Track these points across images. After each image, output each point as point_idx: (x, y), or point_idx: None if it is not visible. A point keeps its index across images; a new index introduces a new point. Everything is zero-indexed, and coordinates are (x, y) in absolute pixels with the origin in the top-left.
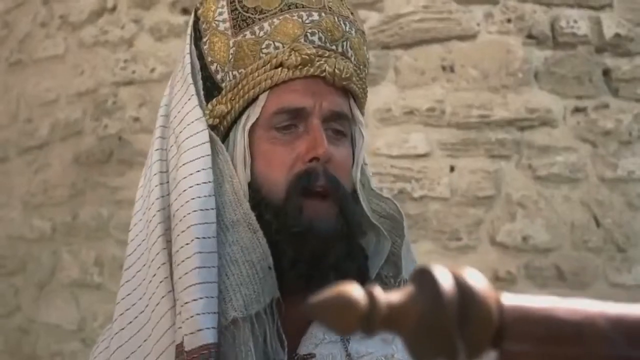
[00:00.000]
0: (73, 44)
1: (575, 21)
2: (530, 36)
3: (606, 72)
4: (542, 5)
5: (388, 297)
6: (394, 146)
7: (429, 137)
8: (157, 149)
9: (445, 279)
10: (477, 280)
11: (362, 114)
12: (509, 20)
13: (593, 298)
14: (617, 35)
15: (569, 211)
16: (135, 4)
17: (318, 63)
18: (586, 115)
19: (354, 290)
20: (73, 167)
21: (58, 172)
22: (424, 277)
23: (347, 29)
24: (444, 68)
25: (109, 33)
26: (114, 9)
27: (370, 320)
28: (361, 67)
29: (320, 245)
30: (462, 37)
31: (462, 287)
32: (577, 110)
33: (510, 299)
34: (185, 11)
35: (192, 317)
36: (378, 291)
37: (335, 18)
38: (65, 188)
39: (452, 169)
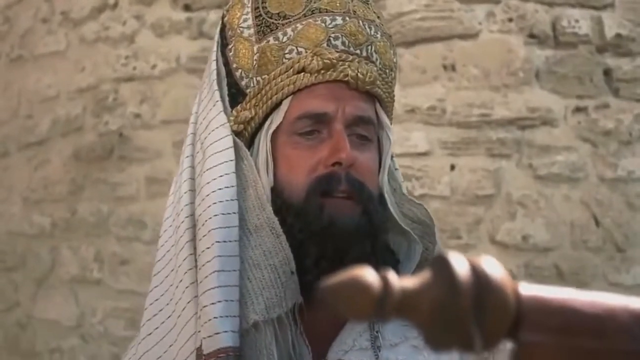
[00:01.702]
0: (74, 40)
1: (577, 21)
2: (531, 35)
3: (607, 72)
4: (544, 5)
5: (403, 282)
6: (394, 144)
7: (429, 135)
8: (188, 156)
9: (461, 267)
10: (494, 269)
11: (390, 118)
12: (510, 20)
13: None
14: (618, 35)
15: (568, 211)
16: (137, 0)
17: (341, 67)
18: (587, 115)
19: (368, 274)
20: (73, 163)
21: (58, 168)
22: (440, 264)
23: (372, 33)
24: (445, 67)
25: (110, 29)
26: (115, 5)
27: (384, 306)
28: (387, 70)
29: (343, 241)
30: (463, 36)
31: (478, 275)
32: (577, 110)
33: (528, 289)
34: (186, 7)
35: (209, 320)
36: (392, 276)
37: (360, 22)
38: (65, 184)
39: (452, 167)
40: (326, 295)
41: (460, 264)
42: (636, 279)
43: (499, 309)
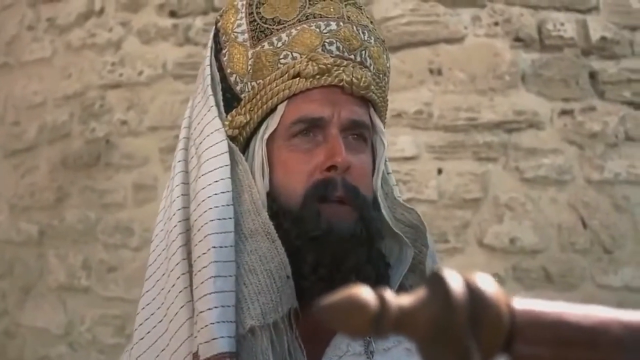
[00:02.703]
0: (60, 47)
1: (562, 24)
2: (517, 39)
3: (592, 75)
4: (529, 9)
5: (399, 300)
6: None
7: (416, 139)
8: (180, 161)
9: (456, 283)
10: (488, 284)
11: (383, 122)
12: (496, 24)
13: (580, 299)
14: (603, 38)
15: (556, 213)
16: (123, 7)
17: (336, 72)
18: (573, 117)
19: (365, 292)
20: (60, 171)
21: (45, 175)
22: (435, 281)
23: (366, 38)
24: (431, 71)
25: (97, 36)
26: (101, 11)
27: (381, 323)
28: (381, 75)
29: (340, 247)
30: (449, 40)
31: (473, 291)
32: (563, 112)
33: (522, 303)
34: (172, 14)
35: (206, 326)
36: (389, 294)
37: (354, 27)
38: (52, 191)
39: (439, 171)
40: (324, 314)
41: (455, 281)
42: (624, 280)
43: (494, 324)
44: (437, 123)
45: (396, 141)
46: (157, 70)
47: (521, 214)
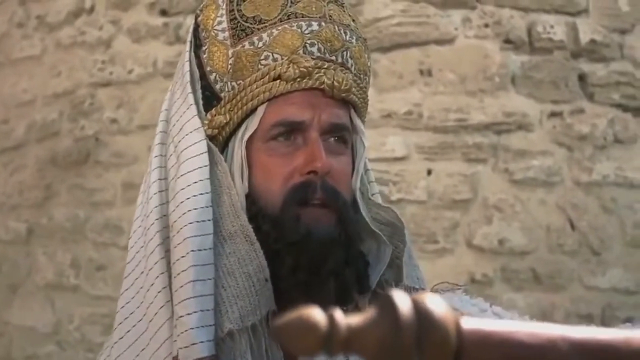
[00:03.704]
0: (50, 45)
1: (552, 27)
2: (507, 41)
3: (582, 77)
4: (519, 11)
5: (348, 320)
6: (371, 149)
7: (406, 140)
8: (157, 156)
9: (404, 304)
10: (436, 305)
11: (363, 122)
12: (486, 25)
13: (568, 301)
14: (593, 41)
15: (544, 214)
16: (114, 5)
17: (317, 75)
18: (562, 119)
19: (315, 313)
20: (49, 169)
21: (34, 174)
22: (384, 302)
23: (348, 38)
24: (421, 72)
25: (87, 34)
26: (91, 9)
27: (331, 343)
28: (361, 75)
29: (318, 251)
30: (440, 42)
31: (420, 312)
32: (553, 114)
33: (470, 323)
34: (163, 13)
35: (186, 331)
36: (338, 314)
37: (336, 27)
38: (41, 189)
39: (429, 172)
40: (276, 335)
41: (403, 302)
42: (611, 281)
43: (440, 345)
44: (427, 124)
45: (386, 142)
46: (148, 68)
47: (510, 215)
